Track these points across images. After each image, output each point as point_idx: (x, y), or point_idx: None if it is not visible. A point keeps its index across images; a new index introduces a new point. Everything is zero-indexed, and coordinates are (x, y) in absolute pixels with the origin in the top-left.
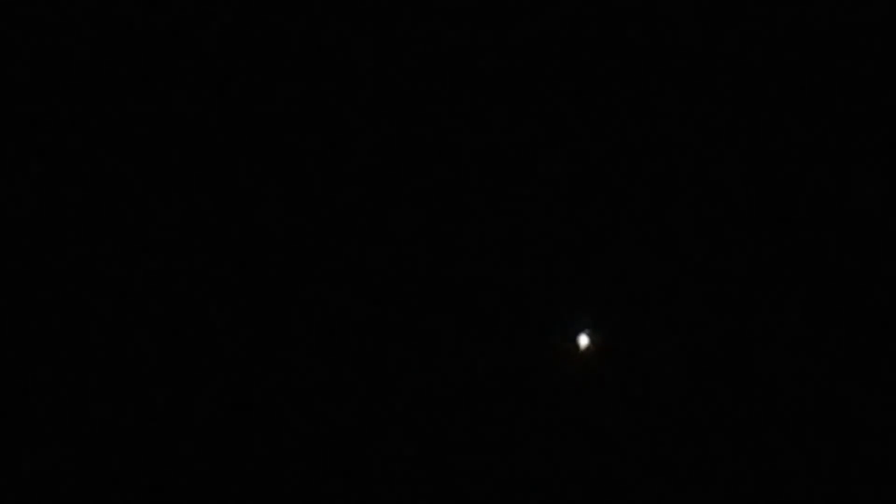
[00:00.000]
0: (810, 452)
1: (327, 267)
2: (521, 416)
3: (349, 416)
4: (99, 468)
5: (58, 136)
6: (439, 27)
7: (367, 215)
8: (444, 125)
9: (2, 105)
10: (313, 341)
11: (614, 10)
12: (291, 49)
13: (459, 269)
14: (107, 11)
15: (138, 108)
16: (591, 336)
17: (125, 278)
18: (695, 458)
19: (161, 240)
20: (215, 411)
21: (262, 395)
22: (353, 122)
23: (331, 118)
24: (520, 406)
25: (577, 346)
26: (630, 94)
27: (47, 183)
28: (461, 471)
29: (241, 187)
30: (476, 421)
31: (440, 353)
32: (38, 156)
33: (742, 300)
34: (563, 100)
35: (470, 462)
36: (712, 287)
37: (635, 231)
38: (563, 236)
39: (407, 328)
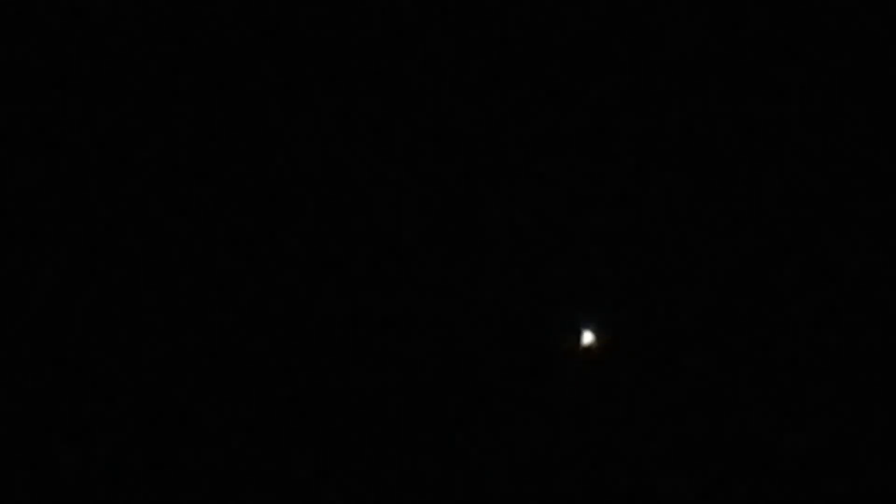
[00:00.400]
0: (814, 451)
1: (334, 264)
2: (525, 414)
3: (352, 412)
4: (98, 467)
5: (57, 136)
6: (438, 27)
7: (374, 213)
8: (452, 123)
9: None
10: (318, 338)
11: (613, 11)
12: (290, 48)
13: (465, 266)
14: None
15: (138, 108)
16: (594, 333)
17: (120, 277)
18: (699, 456)
19: (159, 239)
20: (214, 410)
21: (261, 395)
22: (358, 119)
23: (333, 118)
24: (523, 403)
25: (580, 343)
26: (638, 94)
27: (47, 183)
28: (465, 468)
29: (240, 187)
30: (481, 418)
31: (445, 351)
32: (38, 156)
33: (747, 298)
34: (572, 98)
35: (474, 460)
36: (717, 285)
37: (641, 229)
38: (568, 234)
39: (412, 325)
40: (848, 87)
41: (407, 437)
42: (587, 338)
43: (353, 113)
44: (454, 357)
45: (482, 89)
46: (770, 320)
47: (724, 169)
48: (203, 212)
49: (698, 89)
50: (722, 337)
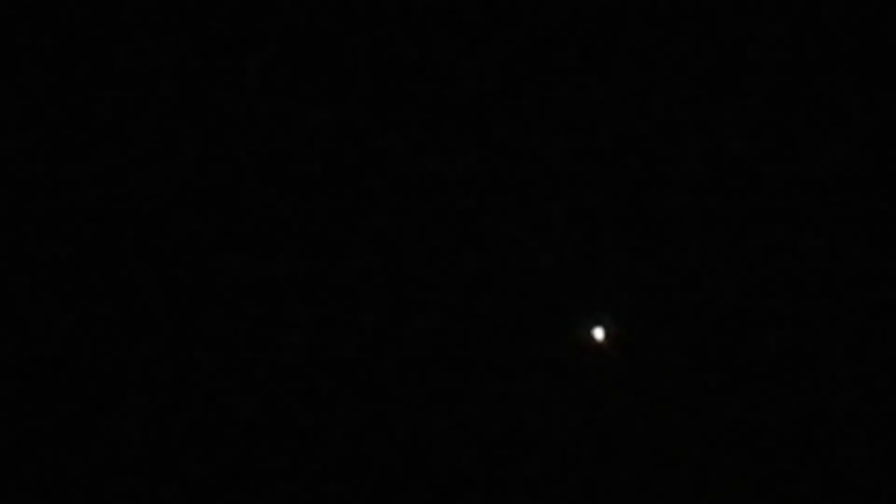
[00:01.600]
0: (830, 449)
1: (341, 263)
2: (536, 410)
3: (360, 405)
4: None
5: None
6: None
7: (394, 206)
8: (467, 119)
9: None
10: (332, 331)
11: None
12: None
13: (475, 260)
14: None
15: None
16: (606, 329)
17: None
18: (709, 453)
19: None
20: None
21: (262, 395)
22: (359, 119)
23: (337, 118)
24: (534, 399)
25: (592, 338)
26: (645, 85)
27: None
28: (474, 465)
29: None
30: (489, 415)
31: (453, 348)
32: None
33: (760, 294)
34: (581, 91)
35: (482, 456)
36: (730, 280)
37: (653, 223)
38: (580, 228)
39: (421, 320)
40: (848, 88)
41: (413, 433)
42: (599, 333)
43: (353, 112)
44: (463, 353)
45: (491, 83)
46: (789, 315)
47: (736, 167)
48: (203, 211)
49: (708, 88)
50: (734, 334)
